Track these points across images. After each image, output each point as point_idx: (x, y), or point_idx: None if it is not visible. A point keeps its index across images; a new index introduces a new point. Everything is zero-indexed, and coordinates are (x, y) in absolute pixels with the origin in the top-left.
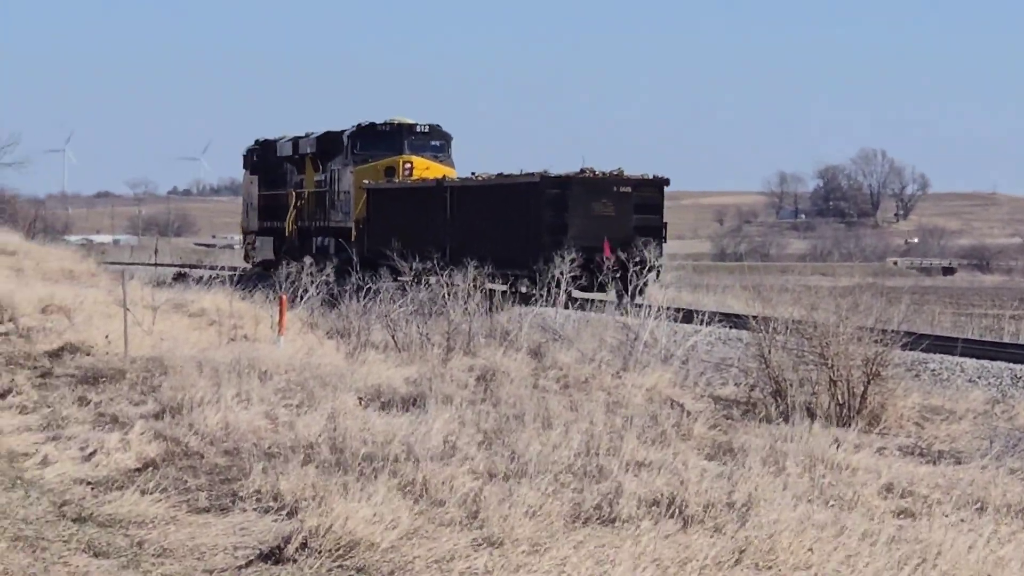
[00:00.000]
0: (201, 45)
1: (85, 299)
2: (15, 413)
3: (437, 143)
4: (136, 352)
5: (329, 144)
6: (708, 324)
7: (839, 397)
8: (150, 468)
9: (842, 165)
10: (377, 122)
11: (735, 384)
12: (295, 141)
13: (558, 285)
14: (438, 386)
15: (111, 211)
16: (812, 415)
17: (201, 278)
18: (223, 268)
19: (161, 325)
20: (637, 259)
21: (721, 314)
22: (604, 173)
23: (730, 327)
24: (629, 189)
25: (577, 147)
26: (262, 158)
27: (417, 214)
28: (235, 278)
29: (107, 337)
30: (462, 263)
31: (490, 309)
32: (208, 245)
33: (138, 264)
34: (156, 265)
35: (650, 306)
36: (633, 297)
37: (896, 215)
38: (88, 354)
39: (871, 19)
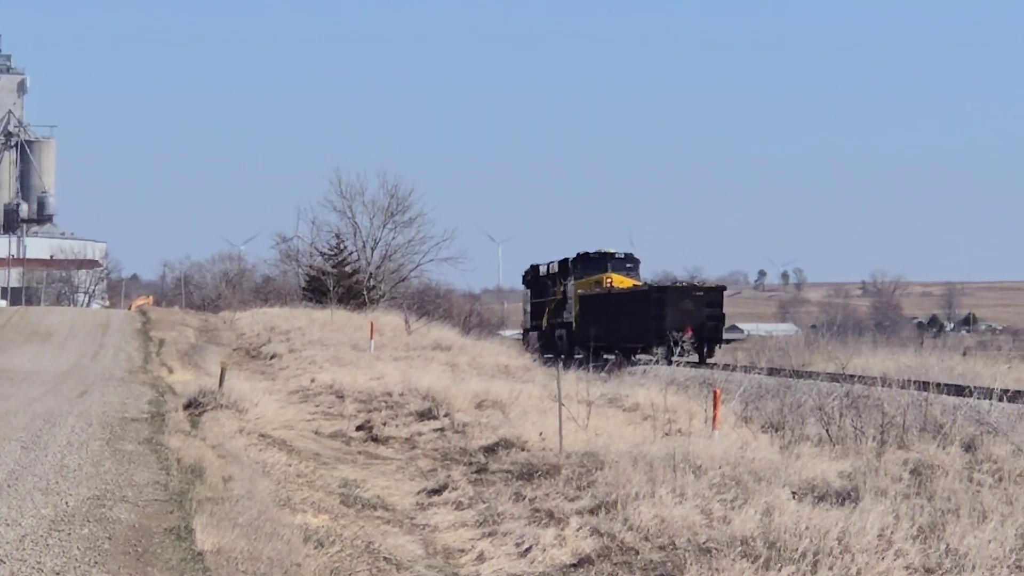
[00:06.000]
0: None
1: (520, 394)
2: (451, 509)
3: (630, 265)
4: (571, 447)
5: (564, 267)
6: None
7: None
8: (585, 564)
9: None
10: (590, 251)
11: None
12: (548, 265)
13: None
14: (872, 480)
15: None
16: None
17: (632, 373)
18: None
19: (595, 420)
20: (707, 337)
21: None
22: (686, 283)
23: None
24: (702, 293)
25: None
26: (533, 277)
27: (598, 310)
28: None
29: (541, 433)
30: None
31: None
32: None
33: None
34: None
35: None
36: (706, 359)
37: None
38: (523, 449)
39: None
